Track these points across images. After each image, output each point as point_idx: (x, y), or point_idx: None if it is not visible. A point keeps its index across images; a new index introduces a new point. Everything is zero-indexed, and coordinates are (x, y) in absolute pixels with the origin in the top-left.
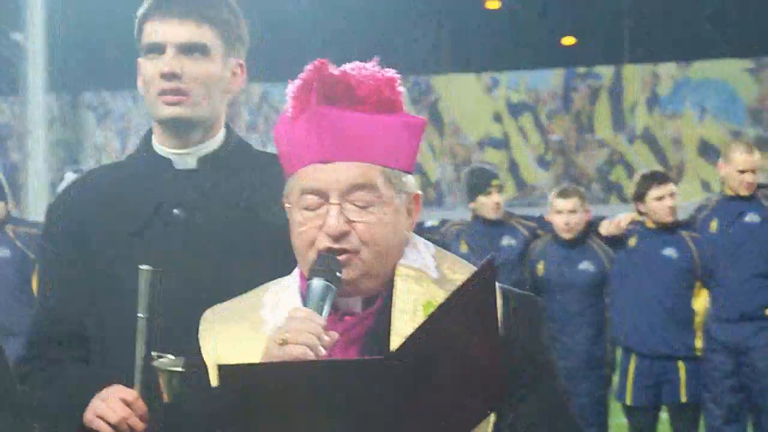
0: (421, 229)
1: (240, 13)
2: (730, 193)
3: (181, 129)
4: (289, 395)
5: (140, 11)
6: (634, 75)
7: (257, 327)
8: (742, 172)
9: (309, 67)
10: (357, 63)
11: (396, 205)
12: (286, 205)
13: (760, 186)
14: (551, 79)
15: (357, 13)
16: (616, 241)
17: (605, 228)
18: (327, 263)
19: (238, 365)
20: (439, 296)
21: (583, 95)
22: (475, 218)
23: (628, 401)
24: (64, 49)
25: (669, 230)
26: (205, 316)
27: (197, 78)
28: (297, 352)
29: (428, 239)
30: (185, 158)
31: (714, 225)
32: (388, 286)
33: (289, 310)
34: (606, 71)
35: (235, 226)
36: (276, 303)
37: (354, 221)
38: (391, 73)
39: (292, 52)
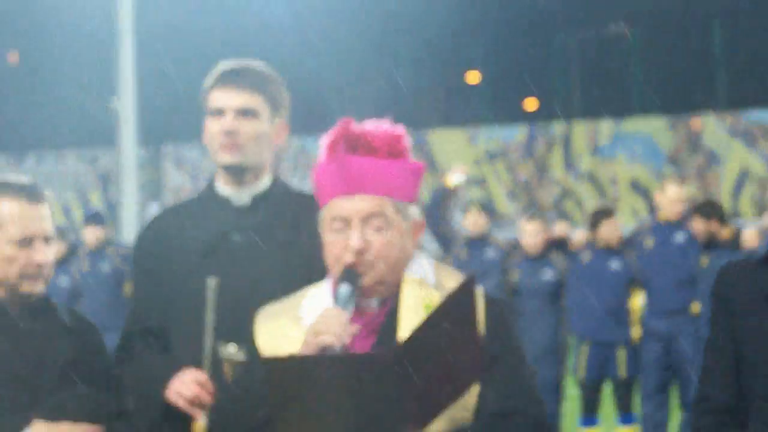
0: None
1: (284, 84)
2: (663, 218)
3: (237, 173)
4: (318, 380)
5: (207, 82)
6: (581, 129)
7: (298, 322)
8: (674, 202)
9: (337, 124)
10: (375, 120)
11: (403, 228)
12: (320, 229)
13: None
14: (518, 133)
15: (372, 82)
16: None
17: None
18: (351, 273)
19: (278, 357)
20: (436, 299)
21: (542, 145)
22: (477, 236)
23: (580, 375)
24: (150, 110)
25: (614, 249)
26: (258, 314)
27: (249, 135)
28: (327, 341)
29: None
30: (241, 196)
31: (650, 243)
32: (398, 290)
33: (323, 309)
34: (559, 127)
35: (280, 247)
36: (312, 304)
37: (370, 241)
38: (399, 128)
39: (321, 112)
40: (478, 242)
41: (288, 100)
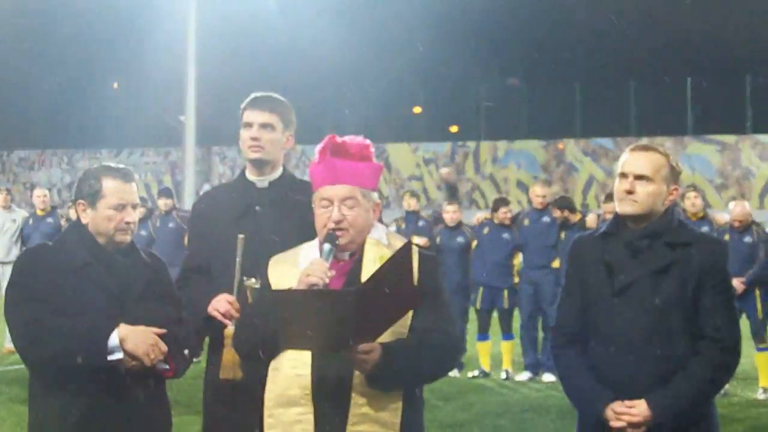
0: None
1: (292, 109)
2: (535, 206)
3: (259, 166)
4: (306, 306)
5: (243, 105)
6: (486, 146)
7: (296, 266)
8: (540, 197)
9: (326, 138)
10: (351, 135)
11: (367, 207)
12: (313, 205)
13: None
14: (445, 147)
15: (351, 110)
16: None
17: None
18: (331, 236)
19: (281, 289)
20: (388, 254)
21: (461, 156)
22: (410, 212)
23: (478, 307)
24: (205, 122)
25: (505, 225)
26: (270, 260)
27: (268, 141)
28: (314, 280)
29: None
30: (262, 182)
31: (527, 222)
32: (362, 247)
33: (312, 259)
34: (472, 144)
35: (287, 216)
36: (306, 255)
37: (345, 215)
38: (367, 141)
39: (317, 129)
40: (414, 215)
41: (295, 120)
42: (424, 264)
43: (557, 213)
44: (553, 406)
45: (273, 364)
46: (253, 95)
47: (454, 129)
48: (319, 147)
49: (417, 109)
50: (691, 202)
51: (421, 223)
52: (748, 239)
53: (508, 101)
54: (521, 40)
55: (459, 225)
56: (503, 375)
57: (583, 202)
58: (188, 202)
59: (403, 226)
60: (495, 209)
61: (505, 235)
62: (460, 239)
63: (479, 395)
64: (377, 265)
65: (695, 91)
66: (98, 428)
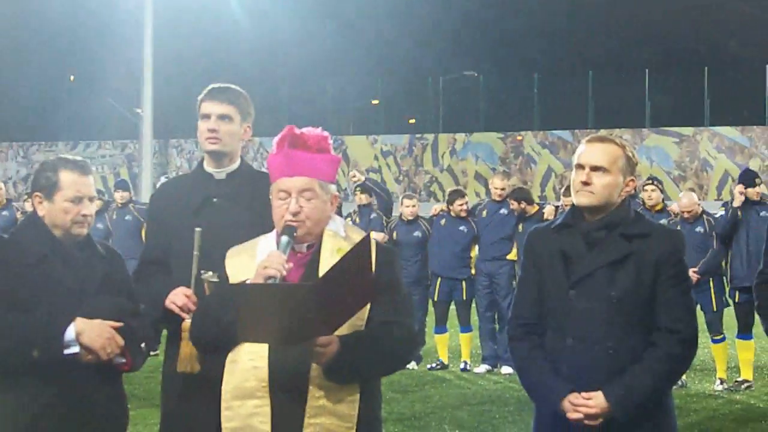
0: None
1: (250, 100)
2: (493, 198)
3: (217, 157)
4: (263, 298)
5: (200, 97)
6: (445, 139)
7: (253, 259)
8: (498, 189)
9: (284, 129)
10: (309, 127)
11: (325, 199)
12: (271, 197)
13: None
14: (403, 139)
15: (309, 102)
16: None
17: (434, 209)
18: (289, 228)
19: (239, 283)
20: (345, 246)
21: (419, 148)
22: (362, 206)
23: (435, 299)
24: (162, 115)
25: (462, 217)
26: (228, 252)
27: (226, 132)
28: (271, 273)
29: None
30: (220, 173)
31: (485, 213)
32: (320, 239)
33: (269, 251)
34: (430, 136)
35: (244, 208)
36: (264, 247)
37: (303, 207)
38: (325, 132)
39: (275, 121)
40: (365, 209)
41: (253, 111)
42: (382, 256)
43: (514, 205)
44: (512, 398)
45: (230, 357)
46: (210, 86)
47: (412, 121)
48: (277, 138)
49: (375, 102)
50: (648, 195)
51: (373, 216)
52: (699, 229)
53: (466, 93)
54: (479, 32)
55: (416, 219)
56: (461, 367)
57: (541, 194)
58: (145, 195)
59: (358, 220)
60: (451, 202)
61: (462, 227)
62: (417, 233)
63: (437, 388)
64: (335, 257)
65: (653, 83)
66: (54, 422)
